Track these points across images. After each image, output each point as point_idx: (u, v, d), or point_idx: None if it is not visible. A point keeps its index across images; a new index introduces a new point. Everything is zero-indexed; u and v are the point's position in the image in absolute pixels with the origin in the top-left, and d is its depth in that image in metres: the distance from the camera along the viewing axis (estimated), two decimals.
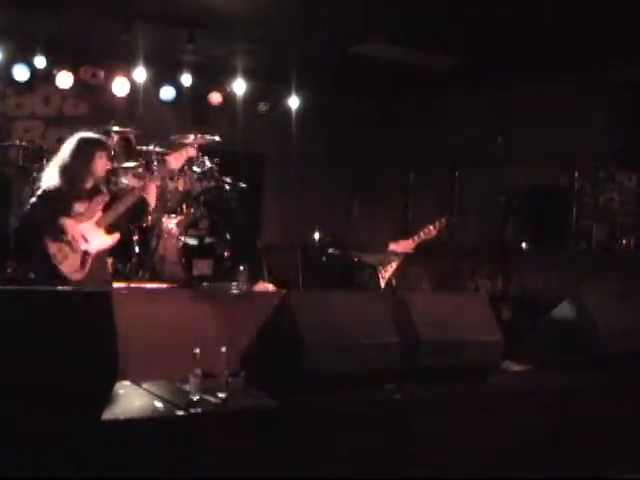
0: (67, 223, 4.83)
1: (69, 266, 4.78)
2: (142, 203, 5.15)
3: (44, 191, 4.89)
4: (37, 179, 5.06)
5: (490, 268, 8.64)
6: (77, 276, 4.80)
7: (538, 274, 8.10)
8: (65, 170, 4.90)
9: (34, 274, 5.02)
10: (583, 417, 4.17)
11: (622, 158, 8.57)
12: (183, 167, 6.38)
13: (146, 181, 5.38)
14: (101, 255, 5.05)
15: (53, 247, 4.76)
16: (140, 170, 7.01)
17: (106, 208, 5.02)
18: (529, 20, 7.33)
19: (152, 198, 5.18)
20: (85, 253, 4.85)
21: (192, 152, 5.74)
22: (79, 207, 4.92)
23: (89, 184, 5.00)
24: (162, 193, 7.12)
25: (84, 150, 4.97)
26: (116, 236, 5.06)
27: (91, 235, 4.89)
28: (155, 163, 6.98)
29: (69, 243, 4.80)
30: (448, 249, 8.07)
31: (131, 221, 5.52)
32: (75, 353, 2.92)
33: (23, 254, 5.76)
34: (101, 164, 5.01)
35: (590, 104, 8.61)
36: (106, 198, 5.07)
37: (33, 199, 4.91)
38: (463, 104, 9.87)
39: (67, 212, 4.87)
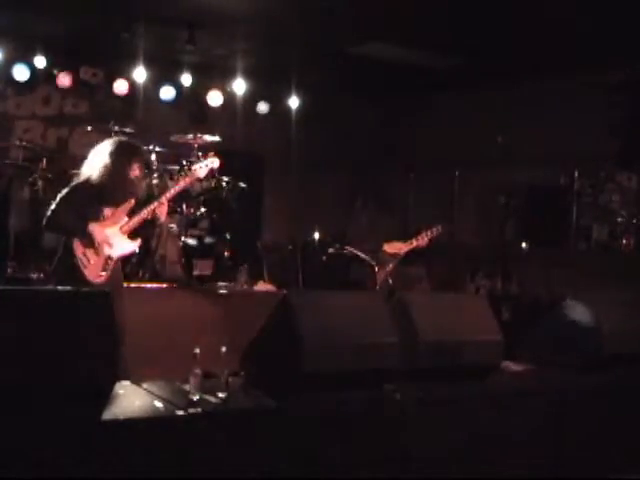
0: (95, 228, 4.77)
1: (91, 270, 4.75)
2: (152, 216, 5.11)
3: (76, 187, 4.83)
4: (73, 176, 4.95)
5: (490, 268, 8.64)
6: (97, 280, 4.77)
7: (538, 274, 8.10)
8: (102, 169, 4.83)
9: (55, 273, 4.95)
10: (583, 417, 4.18)
11: (622, 158, 8.58)
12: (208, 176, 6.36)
13: (161, 197, 5.26)
14: (120, 260, 5.02)
15: (80, 250, 4.73)
16: (182, 174, 6.87)
17: (130, 214, 4.96)
18: (529, 20, 7.33)
19: (163, 214, 5.13)
20: (108, 258, 4.82)
21: (217, 163, 5.72)
22: (107, 211, 4.87)
23: (120, 189, 4.91)
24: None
25: (122, 154, 4.90)
26: (138, 242, 5.02)
27: (115, 240, 4.85)
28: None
29: (94, 248, 4.76)
30: (448, 249, 8.07)
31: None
32: (75, 353, 2.92)
33: (50, 252, 5.69)
34: (135, 171, 4.95)
35: (590, 104, 8.61)
36: (132, 203, 4.97)
37: (63, 194, 4.80)
38: (463, 104, 9.87)
39: (96, 215, 4.82)
